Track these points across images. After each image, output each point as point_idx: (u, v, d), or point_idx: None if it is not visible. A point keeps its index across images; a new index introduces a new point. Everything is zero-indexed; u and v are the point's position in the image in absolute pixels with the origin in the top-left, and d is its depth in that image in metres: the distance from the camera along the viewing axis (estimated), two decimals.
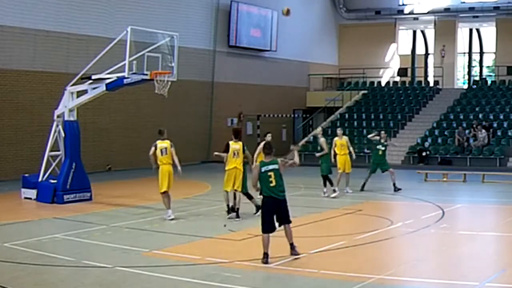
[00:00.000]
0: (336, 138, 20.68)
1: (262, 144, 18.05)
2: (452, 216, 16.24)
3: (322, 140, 19.79)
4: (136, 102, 28.45)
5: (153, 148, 15.28)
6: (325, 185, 19.40)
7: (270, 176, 10.80)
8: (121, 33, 17.89)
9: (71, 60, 25.12)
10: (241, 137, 15.72)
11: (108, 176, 25.76)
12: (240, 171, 15.31)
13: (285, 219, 10.98)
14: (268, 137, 17.58)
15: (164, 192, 15.37)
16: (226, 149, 15.29)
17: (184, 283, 9.77)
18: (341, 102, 37.41)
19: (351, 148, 20.39)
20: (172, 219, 15.17)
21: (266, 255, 10.75)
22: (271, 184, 10.80)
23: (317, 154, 19.96)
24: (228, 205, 15.65)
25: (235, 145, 15.31)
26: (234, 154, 15.23)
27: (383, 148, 21.06)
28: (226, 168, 15.35)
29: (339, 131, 21.15)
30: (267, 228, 10.85)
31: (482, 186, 21.80)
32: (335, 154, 20.23)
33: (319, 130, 21.88)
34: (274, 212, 10.89)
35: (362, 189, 20.53)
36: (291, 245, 11.05)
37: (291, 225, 11.17)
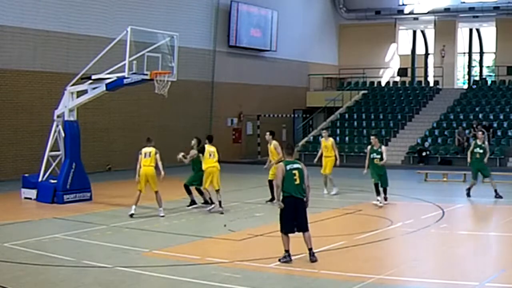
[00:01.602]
0: (322, 139, 20.48)
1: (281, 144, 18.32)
2: (452, 216, 16.25)
3: (384, 147, 18.07)
4: (136, 102, 28.43)
5: (140, 156, 15.97)
6: (378, 193, 17.61)
7: (294, 175, 10.87)
8: (121, 33, 17.89)
9: (71, 60, 25.10)
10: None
11: (108, 176, 25.75)
12: (217, 169, 16.61)
13: (303, 227, 10.93)
14: (267, 136, 17.99)
15: (139, 191, 16.01)
16: (202, 151, 16.60)
17: (184, 283, 9.77)
18: (341, 102, 37.40)
19: (336, 152, 19.90)
20: (131, 215, 15.65)
21: (287, 252, 10.80)
22: (296, 182, 10.86)
23: (381, 162, 17.65)
24: (206, 199, 16.88)
25: (211, 148, 16.70)
26: (210, 155, 16.55)
27: (481, 151, 18.83)
28: (204, 167, 16.49)
29: (324, 133, 20.79)
30: (287, 229, 10.88)
31: (482, 186, 21.76)
32: (321, 155, 20.10)
33: (374, 137, 18.37)
34: (293, 211, 10.87)
35: (468, 195, 19.02)
36: (310, 250, 10.94)
37: None
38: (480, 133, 19.58)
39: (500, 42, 38.51)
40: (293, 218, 10.88)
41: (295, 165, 10.99)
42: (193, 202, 17.21)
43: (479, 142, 19.01)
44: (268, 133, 18.52)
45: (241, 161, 33.37)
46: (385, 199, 17.73)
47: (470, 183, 19.35)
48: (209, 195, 16.75)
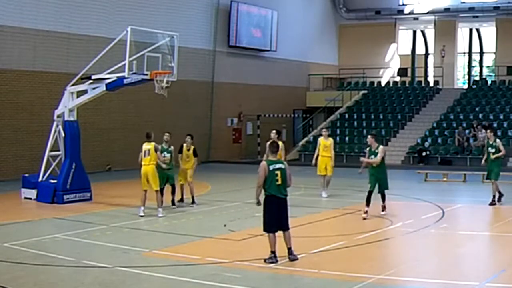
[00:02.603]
0: (321, 138, 19.69)
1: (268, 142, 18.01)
2: (452, 216, 16.25)
3: (381, 148, 16.06)
4: (136, 102, 28.44)
5: (141, 154, 15.99)
6: (368, 203, 15.50)
7: (277, 175, 10.80)
8: (121, 33, 17.89)
9: (71, 60, 25.10)
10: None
11: (108, 176, 25.76)
12: None
13: (284, 226, 10.91)
14: (272, 134, 17.69)
15: (145, 190, 15.98)
16: (181, 150, 17.48)
17: (184, 283, 9.77)
18: (341, 102, 37.39)
19: (332, 152, 19.31)
20: (141, 216, 15.68)
21: (273, 253, 10.77)
22: (278, 183, 10.79)
23: (372, 160, 15.84)
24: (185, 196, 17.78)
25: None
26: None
27: (492, 150, 17.74)
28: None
29: (324, 132, 20.06)
30: (270, 228, 10.85)
31: (482, 186, 21.78)
32: (317, 155, 19.40)
33: (370, 137, 16.37)
34: (276, 211, 10.83)
35: (499, 201, 17.59)
36: (289, 249, 10.95)
37: (291, 225, 11.17)
38: (489, 131, 18.64)
39: (500, 42, 38.51)
40: (277, 217, 10.82)
41: (278, 165, 10.92)
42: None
43: (490, 142, 18.05)
44: (274, 132, 17.61)
45: (241, 161, 33.38)
46: (383, 208, 15.91)
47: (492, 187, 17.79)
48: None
